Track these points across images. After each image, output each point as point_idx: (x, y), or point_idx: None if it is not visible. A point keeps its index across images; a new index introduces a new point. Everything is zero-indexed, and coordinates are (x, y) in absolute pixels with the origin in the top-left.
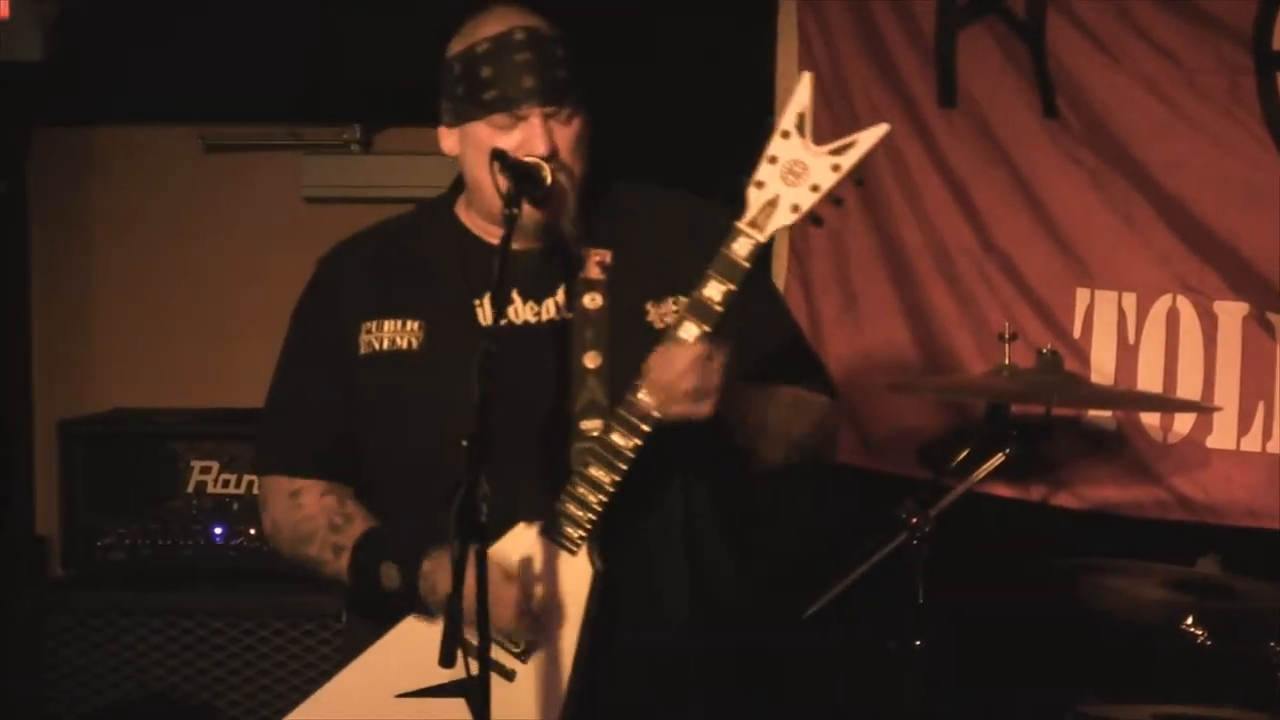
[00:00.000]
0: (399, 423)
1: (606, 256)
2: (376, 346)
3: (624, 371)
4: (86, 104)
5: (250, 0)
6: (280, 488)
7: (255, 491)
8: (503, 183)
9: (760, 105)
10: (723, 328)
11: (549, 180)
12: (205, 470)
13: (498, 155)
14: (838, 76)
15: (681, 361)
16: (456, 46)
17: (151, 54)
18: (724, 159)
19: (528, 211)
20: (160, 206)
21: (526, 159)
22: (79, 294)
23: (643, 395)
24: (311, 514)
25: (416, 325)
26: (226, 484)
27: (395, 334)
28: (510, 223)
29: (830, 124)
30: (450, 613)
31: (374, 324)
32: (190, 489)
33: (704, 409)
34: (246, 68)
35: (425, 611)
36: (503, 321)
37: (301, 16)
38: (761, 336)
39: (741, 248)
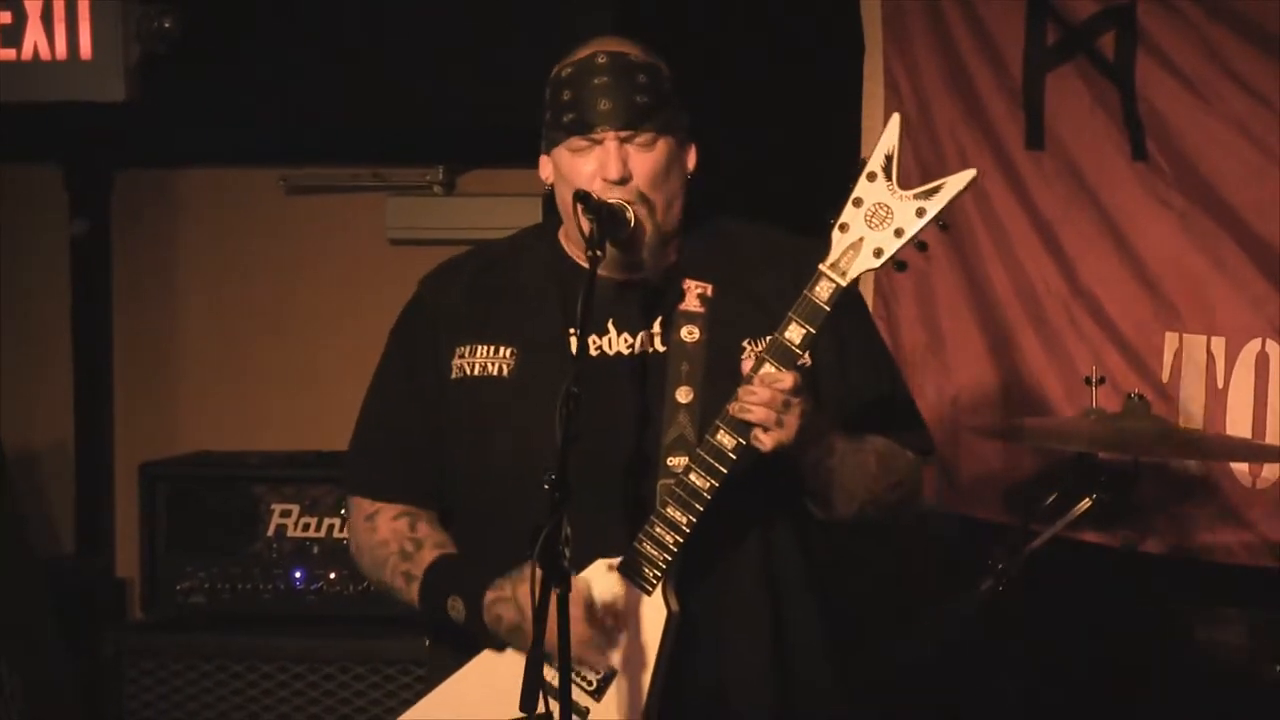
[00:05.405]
0: (485, 449)
1: (708, 290)
2: (467, 371)
3: (715, 408)
4: (168, 146)
5: (332, 43)
6: (359, 509)
7: (336, 535)
8: (585, 225)
9: (845, 146)
10: (802, 370)
11: (632, 221)
12: (286, 514)
13: (581, 197)
14: (924, 118)
15: (761, 394)
16: (552, 72)
17: (234, 96)
18: (807, 201)
19: (611, 251)
20: (243, 249)
21: (611, 200)
22: (161, 336)
23: (721, 437)
24: (384, 539)
25: (509, 352)
26: (307, 528)
27: (487, 360)
28: (594, 265)
29: (916, 166)
30: (532, 660)
31: (467, 348)
32: (271, 533)
33: (768, 441)
34: (329, 109)
35: (493, 643)
36: (595, 353)
37: (384, 59)
38: (859, 385)
39: (823, 291)
